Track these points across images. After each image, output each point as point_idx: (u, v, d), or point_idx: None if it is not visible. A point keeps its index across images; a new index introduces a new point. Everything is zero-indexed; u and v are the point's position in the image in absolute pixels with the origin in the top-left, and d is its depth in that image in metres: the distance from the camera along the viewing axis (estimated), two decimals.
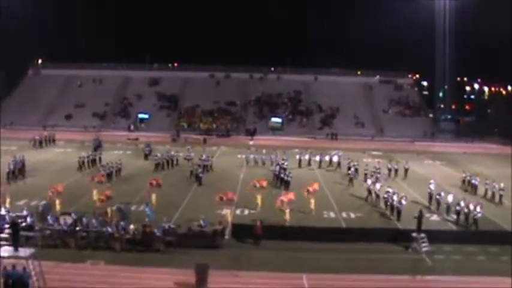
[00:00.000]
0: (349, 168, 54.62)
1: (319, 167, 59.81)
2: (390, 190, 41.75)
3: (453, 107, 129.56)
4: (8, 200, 36.93)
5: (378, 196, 43.42)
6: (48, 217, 32.75)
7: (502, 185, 45.73)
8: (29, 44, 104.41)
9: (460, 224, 37.69)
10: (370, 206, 42.88)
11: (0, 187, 40.61)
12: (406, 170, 55.46)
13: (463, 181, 51.34)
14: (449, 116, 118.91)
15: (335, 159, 60.73)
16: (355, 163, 55.47)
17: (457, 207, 38.50)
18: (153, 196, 40.23)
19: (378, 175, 51.04)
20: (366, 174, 52.01)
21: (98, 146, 65.85)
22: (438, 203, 41.87)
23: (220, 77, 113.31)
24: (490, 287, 27.09)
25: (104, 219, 33.36)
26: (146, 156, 62.68)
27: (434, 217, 39.70)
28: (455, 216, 38.43)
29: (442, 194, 42.24)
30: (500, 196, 45.06)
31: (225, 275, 27.28)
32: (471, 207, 37.73)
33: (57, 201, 37.20)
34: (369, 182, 46.47)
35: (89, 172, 52.56)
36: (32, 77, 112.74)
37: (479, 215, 36.92)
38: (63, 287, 24.98)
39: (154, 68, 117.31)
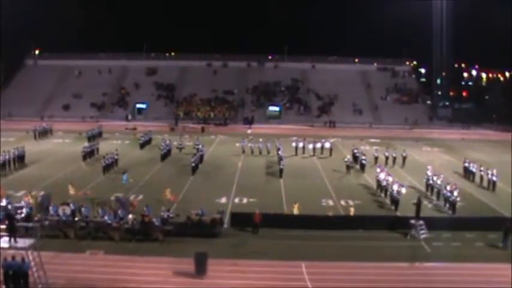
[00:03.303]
0: (353, 156, 54.90)
1: (314, 154, 59.81)
2: (390, 179, 41.70)
3: (451, 93, 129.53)
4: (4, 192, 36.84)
5: (380, 185, 43.13)
6: (49, 208, 32.75)
7: (494, 171, 45.68)
8: (26, 34, 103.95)
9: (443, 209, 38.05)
10: (369, 194, 42.92)
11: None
12: (404, 158, 55.29)
13: (465, 169, 51.05)
14: (447, 103, 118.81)
15: (327, 145, 60.82)
16: (356, 150, 55.59)
17: (444, 192, 38.73)
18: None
19: (364, 161, 51.84)
20: (361, 163, 52.14)
21: (92, 136, 65.91)
22: (432, 188, 41.97)
23: (217, 66, 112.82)
24: (488, 273, 27.13)
25: (104, 209, 33.27)
26: (142, 146, 62.68)
27: (432, 204, 39.82)
28: (446, 204, 38.47)
29: (435, 178, 42.32)
30: (494, 182, 45.05)
31: (224, 263, 27.37)
32: (448, 190, 38.09)
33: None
34: (378, 170, 45.64)
35: (90, 162, 53.09)
36: (29, 67, 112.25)
37: (457, 199, 37.16)
38: (63, 277, 25.02)
39: (151, 57, 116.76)
